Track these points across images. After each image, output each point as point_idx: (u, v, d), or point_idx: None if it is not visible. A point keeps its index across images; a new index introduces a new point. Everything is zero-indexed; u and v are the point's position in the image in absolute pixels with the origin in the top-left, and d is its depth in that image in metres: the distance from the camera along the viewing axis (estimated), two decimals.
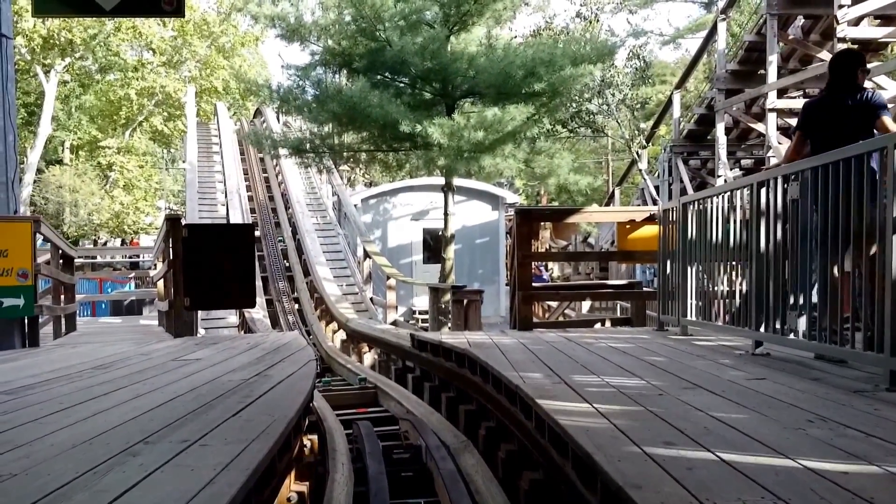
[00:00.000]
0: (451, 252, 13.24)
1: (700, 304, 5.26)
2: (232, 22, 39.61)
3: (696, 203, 5.36)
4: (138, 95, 38.48)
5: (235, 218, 15.27)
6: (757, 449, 2.19)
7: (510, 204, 20.83)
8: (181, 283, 6.79)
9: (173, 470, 2.10)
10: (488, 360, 4.19)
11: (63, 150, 39.94)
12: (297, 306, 13.92)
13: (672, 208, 5.88)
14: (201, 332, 10.22)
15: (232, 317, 11.54)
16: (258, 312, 11.10)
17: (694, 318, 5.36)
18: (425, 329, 12.67)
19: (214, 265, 6.85)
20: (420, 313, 18.41)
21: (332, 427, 4.98)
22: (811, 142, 4.50)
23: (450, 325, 9.52)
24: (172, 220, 6.85)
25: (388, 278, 12.61)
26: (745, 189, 4.52)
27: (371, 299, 13.88)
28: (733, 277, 4.78)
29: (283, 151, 12.43)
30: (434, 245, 20.09)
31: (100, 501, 1.81)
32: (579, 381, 3.44)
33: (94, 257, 23.87)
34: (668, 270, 5.85)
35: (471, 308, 9.00)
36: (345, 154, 12.64)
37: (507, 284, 21.23)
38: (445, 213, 13.07)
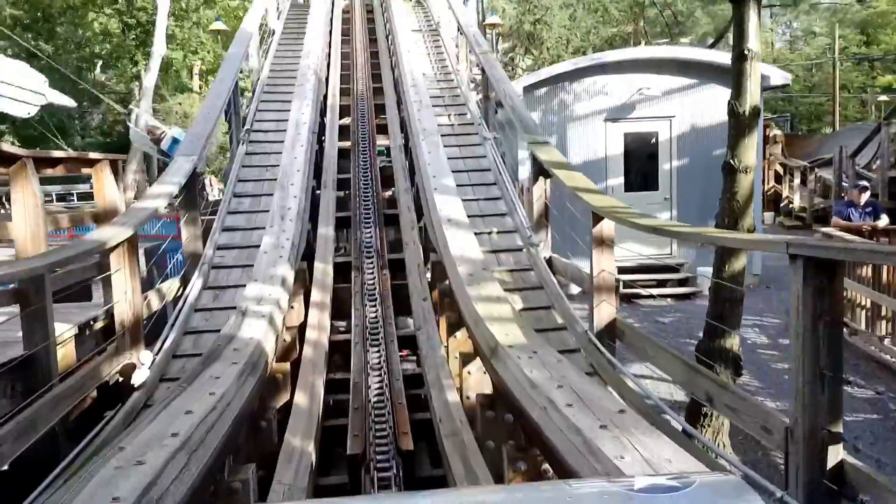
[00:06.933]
0: (750, 155, 5.53)
1: None
2: None
3: None
4: None
5: (301, 121, 8.53)
6: None
7: (771, 88, 12.36)
8: None
9: None
10: None
11: (192, 77, 35.33)
12: (395, 280, 6.87)
13: None
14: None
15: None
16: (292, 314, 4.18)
17: None
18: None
19: None
20: (625, 281, 10.95)
21: None
22: None
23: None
24: None
25: (601, 219, 5.20)
26: None
27: (549, 262, 6.65)
28: None
29: None
30: (644, 160, 12.35)
31: None
32: None
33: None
34: None
35: None
36: None
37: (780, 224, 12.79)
38: (742, 54, 5.23)
